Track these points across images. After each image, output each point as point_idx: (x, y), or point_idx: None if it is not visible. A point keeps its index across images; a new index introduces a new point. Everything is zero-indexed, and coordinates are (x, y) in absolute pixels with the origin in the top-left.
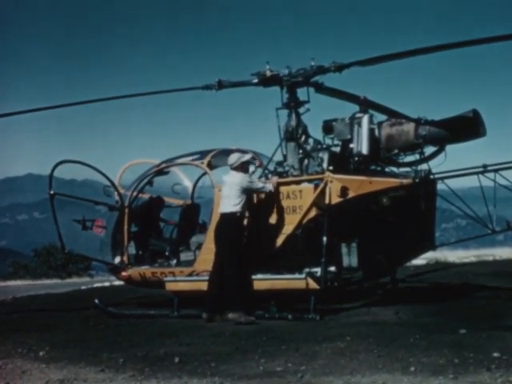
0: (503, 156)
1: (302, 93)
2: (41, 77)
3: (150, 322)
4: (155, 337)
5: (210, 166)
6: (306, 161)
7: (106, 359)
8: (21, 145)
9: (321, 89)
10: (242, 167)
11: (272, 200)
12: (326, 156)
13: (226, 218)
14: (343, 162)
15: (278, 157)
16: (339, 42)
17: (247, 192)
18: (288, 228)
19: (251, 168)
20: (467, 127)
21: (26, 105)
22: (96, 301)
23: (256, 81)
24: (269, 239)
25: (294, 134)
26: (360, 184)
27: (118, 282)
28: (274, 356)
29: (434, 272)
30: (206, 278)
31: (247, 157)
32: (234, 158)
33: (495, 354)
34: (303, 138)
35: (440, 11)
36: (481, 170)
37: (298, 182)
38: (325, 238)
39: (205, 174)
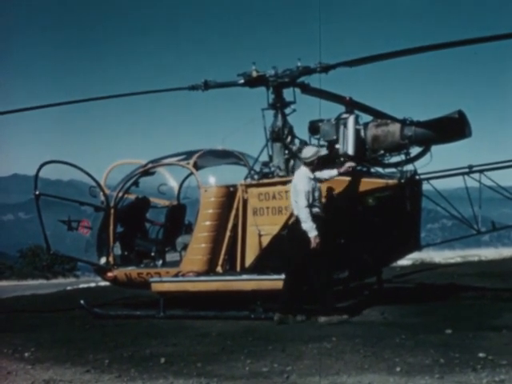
0: (488, 157)
1: (288, 93)
2: (26, 76)
3: (135, 322)
4: (141, 337)
5: (196, 167)
6: (291, 161)
7: (92, 360)
8: (6, 145)
9: (307, 89)
10: (317, 163)
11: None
12: None
13: (297, 221)
14: (329, 162)
15: (264, 157)
16: (326, 43)
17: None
18: (274, 228)
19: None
20: (453, 128)
21: (12, 105)
22: (82, 301)
23: (242, 81)
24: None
25: (279, 135)
26: (346, 185)
27: (103, 283)
28: (259, 356)
29: (420, 272)
30: (192, 278)
31: (324, 151)
32: (310, 152)
33: (481, 354)
34: (289, 139)
35: (427, 12)
36: (466, 170)
37: (283, 183)
38: None
39: (191, 174)
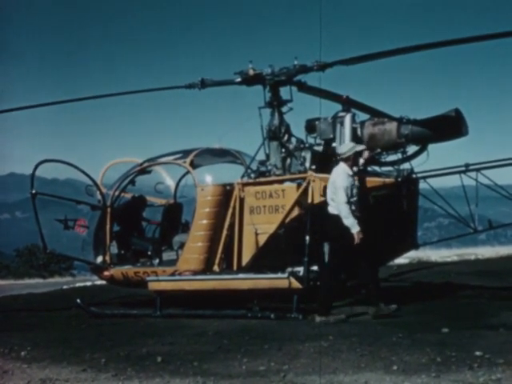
0: (485, 155)
1: (284, 92)
2: (24, 75)
3: (132, 321)
4: (138, 336)
5: (193, 165)
6: (288, 160)
7: (89, 359)
8: (3, 144)
9: (303, 88)
10: (354, 158)
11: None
12: (308, 155)
13: (332, 219)
14: (326, 161)
15: (261, 156)
16: (324, 41)
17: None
18: (270, 227)
19: (361, 160)
20: (449, 126)
21: (9, 104)
22: (78, 300)
23: (239, 80)
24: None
25: (276, 133)
26: None
27: (100, 282)
28: (256, 355)
29: (417, 271)
30: (189, 277)
31: (361, 147)
32: (346, 147)
33: (477, 353)
34: (286, 137)
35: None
36: (463, 169)
37: (280, 182)
38: (307, 238)
39: (187, 173)
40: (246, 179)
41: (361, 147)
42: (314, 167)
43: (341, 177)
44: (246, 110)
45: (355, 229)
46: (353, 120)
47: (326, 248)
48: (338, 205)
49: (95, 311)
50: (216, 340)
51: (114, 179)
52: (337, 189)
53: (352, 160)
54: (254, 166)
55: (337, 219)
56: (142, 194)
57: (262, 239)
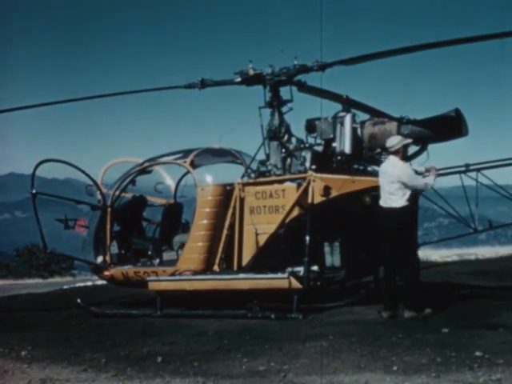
0: (485, 155)
1: (284, 92)
2: (22, 75)
3: (132, 321)
4: (138, 336)
5: (193, 165)
6: (288, 160)
7: (89, 359)
8: (3, 144)
9: (304, 88)
10: (404, 151)
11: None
12: (308, 155)
13: (387, 213)
14: (326, 161)
15: (261, 156)
16: (324, 42)
17: (407, 187)
18: (270, 227)
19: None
20: (450, 126)
21: (7, 104)
22: (78, 300)
23: (239, 79)
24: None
25: (276, 133)
26: (343, 183)
27: (100, 282)
28: (256, 355)
29: None
30: (189, 277)
31: (409, 140)
32: (394, 140)
33: (477, 353)
34: (286, 137)
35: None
36: (463, 169)
37: (280, 182)
38: (308, 238)
39: (188, 173)
40: (246, 179)
41: (408, 140)
42: (314, 167)
43: (398, 167)
44: (245, 110)
45: (431, 180)
46: (353, 120)
47: (327, 248)
48: (416, 187)
49: (95, 311)
50: (216, 340)
51: (114, 179)
52: (409, 179)
53: (402, 152)
54: (254, 166)
55: (396, 213)
56: (142, 194)
57: (262, 239)
